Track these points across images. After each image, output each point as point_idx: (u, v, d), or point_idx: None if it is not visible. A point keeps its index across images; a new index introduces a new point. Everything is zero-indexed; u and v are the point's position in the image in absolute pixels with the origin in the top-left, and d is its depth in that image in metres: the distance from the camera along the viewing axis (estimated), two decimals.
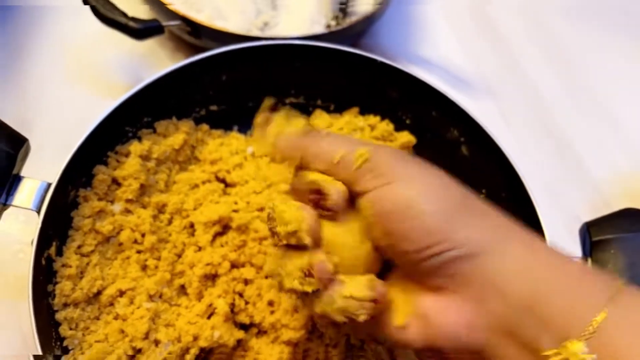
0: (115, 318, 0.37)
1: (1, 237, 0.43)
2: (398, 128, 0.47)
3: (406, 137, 0.46)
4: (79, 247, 0.38)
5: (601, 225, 0.36)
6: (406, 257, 0.25)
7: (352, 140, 0.28)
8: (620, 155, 0.53)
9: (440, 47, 0.58)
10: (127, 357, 0.35)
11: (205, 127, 0.45)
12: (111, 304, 0.37)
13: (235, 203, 0.41)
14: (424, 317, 0.26)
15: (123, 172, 0.40)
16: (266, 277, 0.39)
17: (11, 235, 0.44)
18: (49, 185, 0.35)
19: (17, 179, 0.35)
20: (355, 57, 0.44)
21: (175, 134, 0.43)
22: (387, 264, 0.29)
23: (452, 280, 0.25)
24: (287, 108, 0.31)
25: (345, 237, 0.27)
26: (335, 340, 0.38)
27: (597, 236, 0.36)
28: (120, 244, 0.39)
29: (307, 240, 0.26)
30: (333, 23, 0.58)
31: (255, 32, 0.54)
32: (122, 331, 0.36)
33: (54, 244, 0.36)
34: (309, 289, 0.26)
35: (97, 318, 0.37)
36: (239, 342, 0.38)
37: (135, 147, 0.41)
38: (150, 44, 0.53)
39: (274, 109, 0.31)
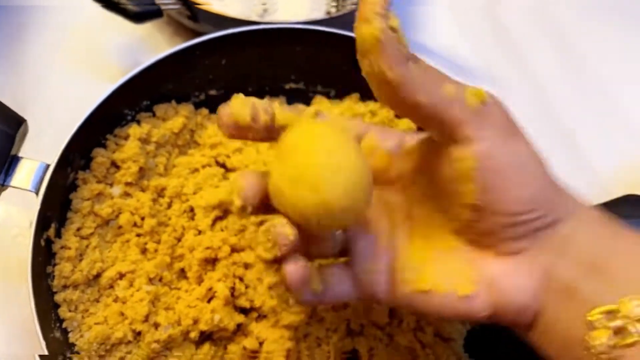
0: (115, 300, 0.37)
1: (0, 221, 0.43)
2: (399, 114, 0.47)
3: (407, 124, 0.46)
4: (78, 229, 0.37)
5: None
6: (496, 219, 0.24)
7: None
8: (622, 143, 0.53)
9: (442, 36, 0.58)
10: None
11: (204, 111, 0.45)
12: (111, 287, 0.37)
13: None
14: (492, 283, 0.25)
15: (122, 155, 0.40)
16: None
17: (10, 219, 0.44)
18: (48, 166, 0.35)
19: (16, 159, 0.35)
20: (355, 41, 0.44)
21: (175, 118, 0.43)
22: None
23: (533, 244, 0.25)
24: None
25: None
26: (335, 325, 0.38)
27: None
28: (120, 227, 0.39)
29: (238, 202, 0.25)
30: (333, 10, 0.57)
31: (254, 18, 0.54)
32: (122, 314, 0.36)
33: (53, 225, 0.36)
34: (268, 255, 0.25)
35: (97, 300, 0.37)
36: (239, 326, 0.38)
37: (134, 130, 0.41)
38: (149, 28, 0.53)
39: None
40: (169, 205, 0.41)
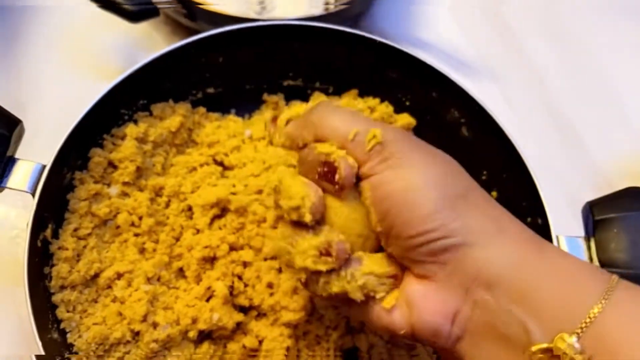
0: (113, 301, 0.36)
1: None
2: (398, 110, 0.46)
3: (406, 119, 0.46)
4: (76, 229, 0.37)
5: (604, 205, 0.36)
6: (399, 243, 0.25)
7: (365, 118, 0.28)
8: (623, 136, 0.52)
9: (441, 30, 0.58)
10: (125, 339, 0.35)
11: (202, 109, 0.45)
12: (109, 287, 0.37)
13: (233, 186, 0.41)
14: (410, 303, 0.26)
15: (119, 154, 0.39)
16: (265, 260, 0.38)
17: (8, 220, 0.44)
18: (44, 167, 0.35)
19: (12, 160, 0.35)
20: (354, 37, 0.44)
21: (172, 117, 0.43)
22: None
23: (442, 269, 0.25)
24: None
25: (349, 214, 0.27)
26: (335, 322, 0.38)
27: (599, 215, 0.36)
28: (118, 227, 0.38)
29: (308, 217, 0.26)
30: (331, 6, 0.57)
31: (252, 15, 0.53)
32: (120, 314, 0.36)
33: (50, 226, 0.36)
34: (323, 267, 0.26)
35: (95, 301, 0.37)
36: (238, 325, 0.38)
37: (131, 130, 0.40)
38: (146, 28, 0.52)
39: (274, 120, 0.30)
40: (167, 205, 0.40)
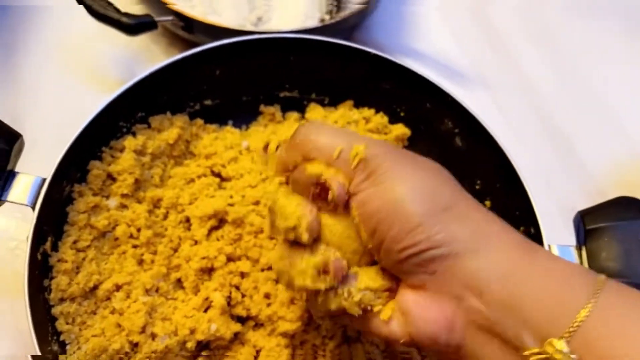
0: (112, 312, 0.37)
1: None
2: (392, 120, 0.47)
3: (400, 130, 0.46)
4: (75, 242, 0.38)
5: (595, 214, 0.37)
6: (390, 256, 0.26)
7: (349, 133, 0.28)
8: (615, 145, 0.53)
9: (434, 41, 0.58)
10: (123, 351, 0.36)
11: (199, 121, 0.45)
12: (108, 299, 0.37)
13: (231, 197, 0.41)
14: (406, 314, 0.26)
15: (118, 167, 0.40)
16: (262, 270, 0.39)
17: (7, 232, 0.44)
18: (44, 180, 0.36)
19: (12, 174, 0.35)
20: (349, 49, 0.44)
21: (170, 129, 0.43)
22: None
23: (433, 279, 0.25)
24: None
25: (344, 231, 0.27)
26: (331, 332, 0.38)
27: (591, 224, 0.36)
28: (116, 239, 0.39)
29: (305, 237, 0.26)
30: (327, 17, 0.58)
31: (249, 27, 0.54)
32: (119, 325, 0.36)
33: (50, 239, 0.36)
34: (322, 286, 0.26)
35: (94, 312, 0.37)
36: (236, 335, 0.38)
37: (129, 142, 0.41)
38: (144, 40, 0.53)
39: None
40: (165, 216, 0.41)
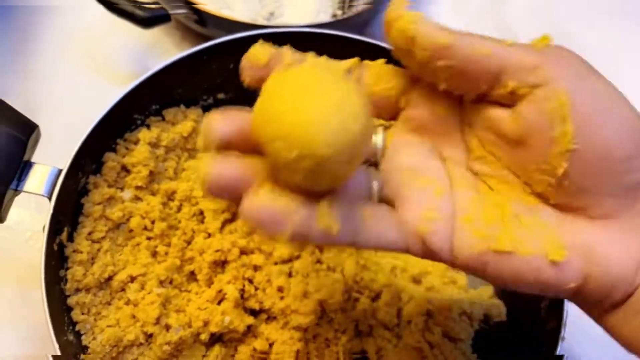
0: (127, 303, 0.37)
1: (12, 225, 0.44)
2: None
3: None
4: (90, 233, 0.38)
5: None
6: (601, 166, 0.21)
7: None
8: None
9: None
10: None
11: None
12: (122, 290, 0.38)
13: None
14: (588, 251, 0.21)
15: (132, 159, 0.40)
16: (275, 264, 0.39)
17: (22, 223, 0.44)
18: (60, 171, 0.36)
19: (28, 165, 0.35)
20: (362, 44, 0.44)
21: (184, 122, 0.43)
22: None
23: (630, 207, 0.21)
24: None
25: None
26: (344, 326, 0.38)
27: None
28: (131, 231, 0.39)
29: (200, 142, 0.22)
30: (339, 12, 0.58)
31: (261, 22, 0.54)
32: (134, 316, 0.36)
33: (65, 229, 0.37)
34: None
35: (109, 303, 0.37)
36: (249, 328, 0.38)
37: (144, 135, 0.41)
38: (157, 33, 0.53)
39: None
40: (179, 209, 0.41)
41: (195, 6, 0.48)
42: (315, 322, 0.38)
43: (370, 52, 0.44)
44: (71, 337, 0.35)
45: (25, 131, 0.35)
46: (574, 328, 0.35)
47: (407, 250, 0.23)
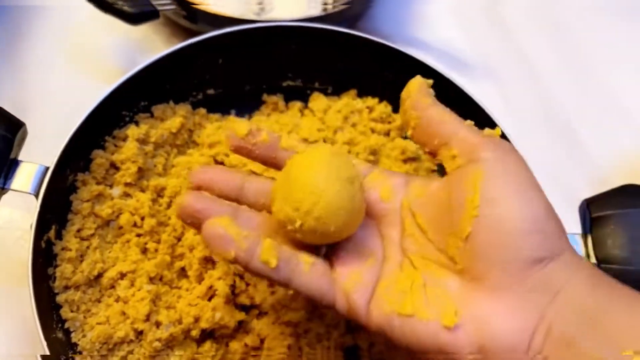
0: (117, 300, 0.37)
1: (2, 224, 0.44)
2: (396, 109, 0.47)
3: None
4: (79, 230, 0.38)
5: (601, 202, 0.36)
6: (499, 237, 0.24)
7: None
8: (620, 133, 0.52)
9: (439, 30, 0.58)
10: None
11: (202, 110, 0.45)
12: (112, 287, 0.37)
13: None
14: (480, 321, 0.24)
15: (121, 155, 0.40)
16: None
17: (12, 222, 0.44)
18: (47, 168, 0.36)
19: (15, 163, 0.35)
20: (352, 38, 0.44)
21: (173, 118, 0.43)
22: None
23: (525, 281, 0.24)
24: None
25: None
26: (335, 321, 0.38)
27: (596, 212, 0.36)
28: (120, 228, 0.39)
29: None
30: (329, 6, 0.57)
31: (251, 17, 0.54)
32: (124, 313, 0.36)
33: (54, 227, 0.37)
34: None
35: (98, 300, 0.37)
36: (240, 324, 0.38)
37: (132, 131, 0.41)
38: (146, 30, 0.53)
39: None
40: (169, 205, 0.41)
41: (184, 2, 0.48)
42: (307, 317, 0.38)
43: (360, 46, 0.44)
44: (60, 335, 0.35)
45: (11, 129, 0.35)
46: None
47: (334, 305, 0.27)
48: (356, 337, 0.39)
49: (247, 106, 0.47)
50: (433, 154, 0.28)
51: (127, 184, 0.40)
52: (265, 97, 0.47)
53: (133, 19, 0.46)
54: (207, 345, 0.37)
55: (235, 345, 0.37)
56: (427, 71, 0.43)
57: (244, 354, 0.37)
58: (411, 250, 0.28)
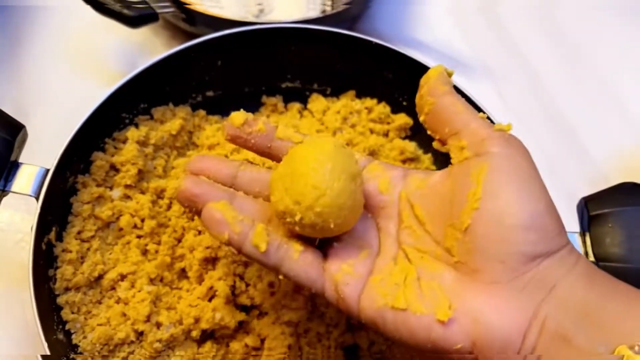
0: (117, 302, 0.37)
1: (3, 227, 0.44)
2: (395, 110, 0.47)
3: (403, 119, 0.46)
4: (79, 232, 0.38)
5: (599, 200, 0.36)
6: (496, 231, 0.24)
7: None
8: (618, 131, 0.52)
9: (437, 31, 0.58)
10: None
11: (202, 112, 0.46)
12: (112, 288, 0.38)
13: None
14: (475, 315, 0.24)
15: (121, 157, 0.40)
16: None
17: (14, 225, 0.44)
18: (47, 171, 0.36)
19: (15, 165, 0.36)
20: (350, 39, 0.44)
21: (172, 120, 0.43)
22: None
23: (520, 277, 0.24)
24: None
25: None
26: (335, 320, 0.38)
27: (594, 211, 0.36)
28: (120, 229, 0.39)
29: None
30: (328, 8, 0.57)
31: (250, 19, 0.54)
32: (124, 314, 0.36)
33: (54, 229, 0.37)
34: None
35: (99, 302, 0.37)
36: (241, 324, 0.38)
37: (132, 133, 0.41)
38: (145, 33, 0.53)
39: None
40: (169, 207, 0.41)
41: (183, 5, 0.48)
42: (307, 316, 0.38)
43: (359, 48, 0.44)
44: (61, 336, 0.35)
45: (12, 131, 0.35)
46: None
47: (322, 293, 0.28)
48: (356, 336, 0.39)
49: (247, 108, 0.45)
50: (442, 142, 0.28)
51: (127, 186, 0.40)
52: (264, 98, 0.48)
53: (132, 22, 0.46)
54: (208, 345, 0.37)
55: (235, 346, 0.38)
56: (423, 71, 0.42)
57: (244, 354, 0.38)
58: (407, 243, 0.28)
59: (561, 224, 0.26)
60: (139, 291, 0.37)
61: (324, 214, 0.26)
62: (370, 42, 0.44)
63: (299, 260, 0.27)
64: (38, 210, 0.35)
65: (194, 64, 0.44)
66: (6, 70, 0.50)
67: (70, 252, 0.37)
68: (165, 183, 0.41)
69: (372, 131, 0.46)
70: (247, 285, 0.39)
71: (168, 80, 0.43)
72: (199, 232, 0.40)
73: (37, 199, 0.35)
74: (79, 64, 0.51)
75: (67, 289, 0.36)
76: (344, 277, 0.27)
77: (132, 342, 0.36)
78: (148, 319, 0.36)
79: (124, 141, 0.41)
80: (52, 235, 0.36)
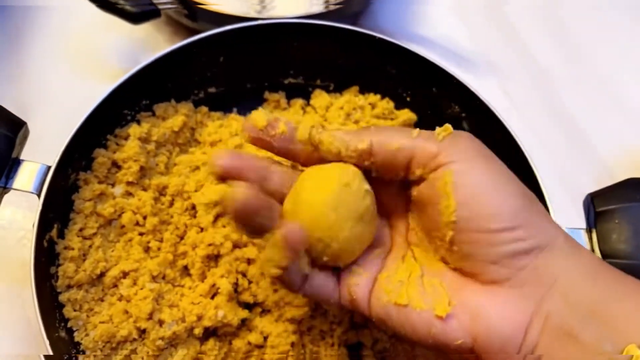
0: (119, 299, 0.37)
1: (5, 224, 0.44)
2: (398, 106, 0.46)
3: (407, 115, 0.46)
4: (81, 229, 0.38)
5: (605, 196, 0.36)
6: (477, 238, 0.24)
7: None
8: (624, 127, 0.52)
9: (441, 26, 0.58)
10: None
11: (204, 109, 0.45)
12: (115, 286, 0.37)
13: None
14: (474, 312, 0.24)
15: (123, 154, 0.40)
16: None
17: (16, 222, 0.44)
18: (49, 168, 0.36)
19: (17, 162, 0.35)
20: (353, 34, 0.44)
21: (174, 117, 0.43)
22: None
23: (516, 274, 0.24)
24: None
25: None
26: (339, 318, 0.38)
27: (601, 207, 0.36)
28: (122, 227, 0.39)
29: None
30: (332, 4, 0.57)
31: (252, 14, 0.54)
32: (126, 312, 0.36)
33: (56, 226, 0.37)
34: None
35: (101, 299, 0.37)
36: (243, 321, 0.38)
37: (134, 130, 0.41)
38: (148, 29, 0.53)
39: None
40: (171, 204, 0.41)
41: (185, 0, 0.48)
42: (310, 314, 0.37)
43: (362, 43, 0.44)
44: (63, 334, 0.35)
45: (13, 128, 0.35)
46: None
47: (339, 305, 0.28)
48: (360, 334, 0.38)
49: (249, 104, 0.47)
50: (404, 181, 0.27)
51: (129, 183, 0.40)
52: (267, 94, 0.47)
53: (135, 18, 0.46)
54: (211, 343, 0.37)
55: (238, 343, 0.37)
56: (430, 68, 0.43)
57: (247, 351, 0.37)
58: (414, 243, 0.29)
59: (545, 213, 0.25)
60: (141, 289, 0.37)
61: (332, 259, 0.27)
62: (374, 37, 0.44)
63: (321, 281, 0.28)
64: (40, 208, 0.34)
65: (196, 60, 0.43)
66: (7, 70, 0.50)
67: (72, 249, 0.37)
68: (168, 180, 0.41)
69: None
70: (250, 282, 0.38)
71: (170, 77, 0.43)
72: (202, 229, 0.40)
73: (38, 196, 0.35)
74: (80, 62, 0.51)
75: (69, 287, 0.36)
76: (355, 278, 0.28)
77: (135, 339, 0.36)
78: (150, 316, 0.36)
79: (126, 138, 0.41)
80: (54, 232, 0.36)
